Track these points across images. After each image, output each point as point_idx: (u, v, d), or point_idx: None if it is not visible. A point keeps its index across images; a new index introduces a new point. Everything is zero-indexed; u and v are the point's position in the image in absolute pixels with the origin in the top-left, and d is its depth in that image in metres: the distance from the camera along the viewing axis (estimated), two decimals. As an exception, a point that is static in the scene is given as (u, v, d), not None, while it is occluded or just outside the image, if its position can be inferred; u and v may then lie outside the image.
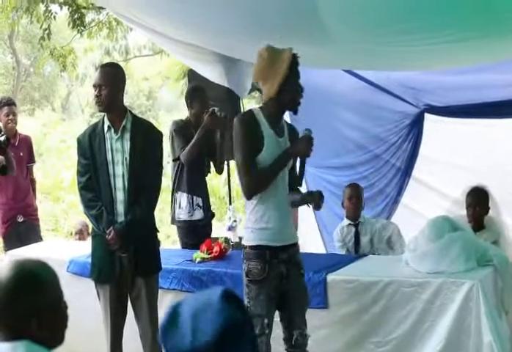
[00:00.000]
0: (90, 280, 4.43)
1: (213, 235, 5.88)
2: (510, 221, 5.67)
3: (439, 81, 6.50)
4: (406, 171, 7.03)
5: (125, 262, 4.23)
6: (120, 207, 4.25)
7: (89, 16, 11.26)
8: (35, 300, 2.03)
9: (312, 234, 7.45)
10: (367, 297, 4.16)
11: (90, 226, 4.80)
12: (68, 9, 10.17)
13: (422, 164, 6.94)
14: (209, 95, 5.93)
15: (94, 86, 4.29)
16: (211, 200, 6.12)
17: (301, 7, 4.56)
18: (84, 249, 5.05)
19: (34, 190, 6.91)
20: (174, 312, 1.60)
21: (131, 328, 4.36)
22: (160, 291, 4.46)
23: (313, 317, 4.12)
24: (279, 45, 3.76)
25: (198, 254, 5.01)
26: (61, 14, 10.72)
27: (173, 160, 5.70)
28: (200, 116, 5.64)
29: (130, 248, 4.22)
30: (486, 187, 5.47)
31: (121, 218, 4.23)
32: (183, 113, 5.91)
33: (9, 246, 6.15)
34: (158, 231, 4.53)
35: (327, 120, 7.12)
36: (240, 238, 5.40)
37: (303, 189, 4.28)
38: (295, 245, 3.87)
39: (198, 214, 5.61)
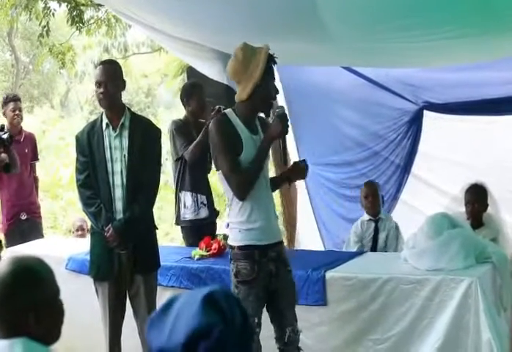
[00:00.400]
0: (89, 277, 4.44)
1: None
2: (509, 218, 5.67)
3: (438, 78, 6.49)
4: (405, 169, 7.03)
5: (124, 259, 4.23)
6: (119, 205, 4.25)
7: (88, 13, 11.25)
8: (33, 295, 2.03)
9: (310, 231, 7.45)
10: (366, 294, 4.15)
11: (89, 223, 4.79)
12: (67, 6, 10.17)
13: (421, 161, 6.94)
14: (207, 92, 5.91)
15: (98, 82, 4.27)
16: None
17: (299, 4, 4.56)
18: (83, 246, 5.05)
19: (36, 188, 6.93)
20: (166, 307, 1.59)
21: (130, 325, 4.36)
22: (158, 288, 4.46)
23: (312, 314, 4.12)
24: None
25: (197, 251, 5.01)
26: (60, 11, 10.72)
27: (176, 160, 5.67)
28: (198, 113, 5.63)
29: (129, 245, 4.22)
30: (485, 184, 5.47)
31: (120, 216, 4.23)
32: (182, 110, 5.88)
33: (12, 243, 6.14)
34: (156, 228, 4.54)
35: (326, 117, 7.12)
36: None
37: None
38: (282, 242, 3.87)
39: (203, 212, 5.59)
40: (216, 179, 4.34)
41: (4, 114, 6.71)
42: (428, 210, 5.79)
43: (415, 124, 6.92)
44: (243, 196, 3.65)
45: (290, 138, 6.88)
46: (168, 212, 13.50)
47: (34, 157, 6.88)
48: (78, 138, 4.38)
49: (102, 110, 4.44)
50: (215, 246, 5.02)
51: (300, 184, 7.19)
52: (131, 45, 20.11)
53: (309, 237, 7.40)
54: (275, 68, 3.76)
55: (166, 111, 24.29)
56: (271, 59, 3.65)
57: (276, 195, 6.45)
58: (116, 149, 4.26)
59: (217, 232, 5.68)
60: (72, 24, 10.18)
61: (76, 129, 4.85)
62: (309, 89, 6.98)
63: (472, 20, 4.40)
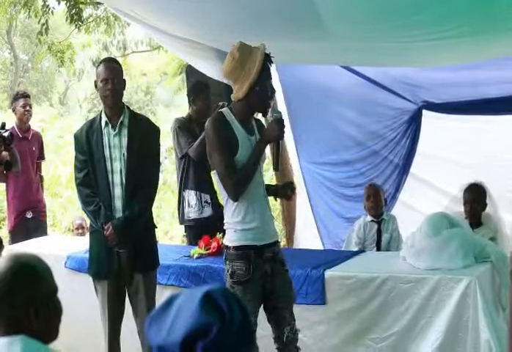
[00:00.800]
0: (88, 276, 4.43)
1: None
2: (508, 217, 5.68)
3: (437, 77, 6.50)
4: (403, 168, 7.03)
5: (123, 258, 4.22)
6: (118, 203, 4.25)
7: (87, 11, 11.27)
8: (32, 291, 2.04)
9: (309, 230, 7.45)
10: (365, 293, 4.16)
11: (88, 221, 4.80)
12: (66, 4, 10.17)
13: (419, 161, 6.94)
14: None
15: (106, 79, 4.23)
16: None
17: (298, 3, 4.56)
18: (82, 245, 5.05)
19: (42, 186, 6.94)
20: (166, 305, 1.59)
21: (129, 323, 4.36)
22: (158, 287, 4.46)
23: (311, 313, 4.12)
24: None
25: (196, 250, 5.01)
26: (59, 9, 10.72)
27: (180, 158, 5.66)
28: (203, 113, 5.60)
29: (129, 244, 4.21)
30: (484, 183, 5.48)
31: (119, 214, 4.23)
32: (181, 108, 5.89)
33: (17, 241, 6.12)
34: (155, 227, 4.54)
35: (325, 116, 7.12)
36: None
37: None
38: (278, 242, 3.86)
39: (207, 211, 5.58)
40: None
41: (14, 110, 6.74)
42: (426, 210, 5.80)
43: (414, 123, 6.93)
44: (236, 196, 3.63)
45: (288, 138, 6.89)
46: (167, 210, 13.51)
47: (41, 156, 6.90)
48: (76, 137, 4.38)
49: (101, 108, 4.44)
50: (214, 244, 5.01)
51: (299, 183, 7.18)
52: (130, 42, 20.11)
53: (308, 237, 7.40)
54: (273, 67, 3.75)
55: (165, 109, 24.30)
56: (267, 59, 3.65)
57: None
58: (116, 148, 4.25)
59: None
60: (71, 22, 10.19)
61: (75, 127, 4.86)
62: (308, 88, 6.98)
63: (471, 19, 4.41)
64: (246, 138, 3.69)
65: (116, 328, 4.33)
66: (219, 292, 1.57)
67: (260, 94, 3.66)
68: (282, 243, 6.61)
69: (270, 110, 3.82)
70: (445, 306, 3.90)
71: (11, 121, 6.96)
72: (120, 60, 7.29)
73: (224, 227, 3.78)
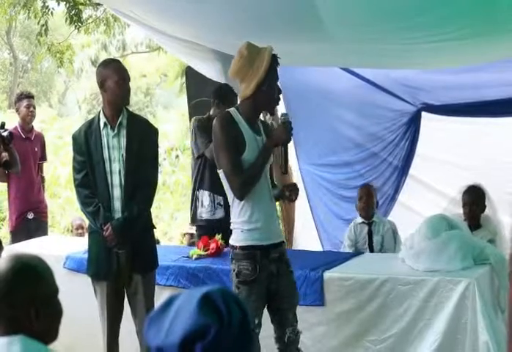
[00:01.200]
0: (87, 276, 4.43)
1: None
2: (507, 219, 5.68)
3: (437, 79, 6.50)
4: (403, 170, 7.04)
5: (123, 258, 4.22)
6: (117, 204, 4.25)
7: (86, 12, 11.27)
8: (33, 290, 2.05)
9: (308, 232, 7.46)
10: (364, 295, 4.16)
11: (87, 222, 4.80)
12: (65, 5, 10.17)
13: (419, 162, 6.95)
14: (205, 92, 5.87)
15: (123, 78, 4.25)
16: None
17: (299, 5, 4.56)
18: (81, 245, 5.05)
19: (43, 187, 6.94)
20: (164, 307, 1.59)
21: (128, 324, 4.36)
22: (157, 288, 4.46)
23: (310, 315, 4.13)
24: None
25: (195, 251, 5.01)
26: (59, 10, 10.72)
27: (197, 158, 5.66)
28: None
29: (128, 244, 4.21)
30: (483, 185, 5.48)
31: (118, 215, 4.22)
32: (181, 110, 5.89)
33: (17, 241, 6.11)
34: (154, 227, 4.54)
35: (324, 118, 7.13)
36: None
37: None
38: (284, 243, 3.88)
39: (219, 213, 5.57)
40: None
41: (17, 110, 6.73)
42: (425, 212, 5.80)
43: (413, 125, 6.93)
44: (241, 196, 3.65)
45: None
46: (166, 211, 13.52)
47: (43, 157, 6.90)
48: (75, 138, 4.37)
49: (99, 109, 4.44)
50: (213, 245, 5.02)
51: (298, 184, 7.19)
52: (129, 44, 20.12)
53: (307, 238, 7.40)
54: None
55: (165, 111, 24.31)
56: (274, 59, 3.66)
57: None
58: (115, 149, 4.25)
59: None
60: (71, 23, 10.18)
61: (74, 128, 4.85)
62: (308, 90, 6.98)
63: (472, 21, 4.41)
64: (252, 138, 3.70)
65: (115, 328, 4.33)
66: (218, 293, 1.56)
67: (267, 93, 3.68)
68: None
69: (279, 112, 3.84)
70: (444, 308, 3.90)
71: (11, 121, 6.96)
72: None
73: (231, 227, 3.78)
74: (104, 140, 4.25)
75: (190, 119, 7.12)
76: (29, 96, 6.75)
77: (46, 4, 10.13)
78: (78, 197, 4.37)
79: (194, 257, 4.95)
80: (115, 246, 4.19)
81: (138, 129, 4.31)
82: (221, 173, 3.73)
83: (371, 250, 5.79)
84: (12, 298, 2.02)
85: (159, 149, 4.54)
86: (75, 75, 21.74)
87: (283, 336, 3.77)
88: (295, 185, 4.05)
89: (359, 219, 5.95)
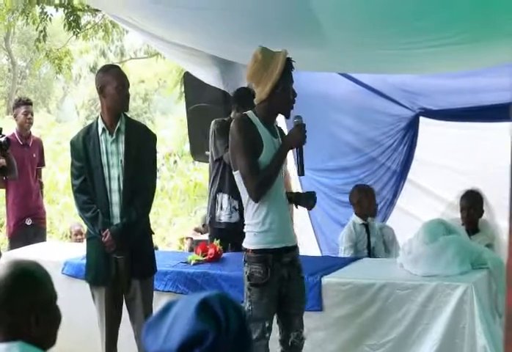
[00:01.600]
0: (85, 282, 4.43)
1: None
2: (505, 224, 5.67)
3: (434, 84, 6.51)
4: (401, 174, 7.04)
5: (121, 264, 4.22)
6: (116, 210, 4.24)
7: (85, 18, 11.28)
8: (33, 297, 2.05)
9: (306, 236, 7.45)
10: (362, 299, 4.16)
11: (85, 228, 4.79)
12: (64, 11, 10.18)
13: (417, 167, 6.95)
14: (203, 97, 5.86)
15: (123, 84, 4.26)
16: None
17: (297, 10, 4.57)
18: (79, 251, 5.05)
19: (41, 193, 6.93)
20: (162, 313, 1.59)
21: (126, 329, 4.35)
22: (155, 293, 4.46)
23: (308, 320, 4.12)
24: (274, 47, 3.77)
25: (193, 256, 5.01)
26: (57, 16, 10.73)
27: (216, 160, 5.67)
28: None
29: (126, 250, 4.21)
30: (481, 190, 5.49)
31: (116, 221, 4.22)
32: (179, 116, 5.90)
33: (16, 247, 6.10)
34: (153, 233, 4.54)
35: (323, 123, 7.12)
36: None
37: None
38: (297, 247, 3.87)
39: (235, 217, 5.57)
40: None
41: (15, 116, 6.73)
42: (423, 216, 5.81)
43: (411, 130, 6.94)
44: (257, 197, 3.66)
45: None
46: (164, 217, 13.51)
47: (41, 162, 6.90)
48: (73, 143, 4.36)
49: (98, 114, 4.44)
50: (211, 251, 5.02)
51: (296, 189, 7.19)
52: (128, 50, 20.13)
53: (305, 243, 7.39)
54: None
55: (163, 117, 24.31)
56: (289, 63, 3.69)
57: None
58: (113, 155, 4.24)
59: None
60: (69, 29, 10.19)
61: (72, 134, 4.84)
62: (306, 95, 6.95)
63: (472, 26, 4.42)
64: (270, 140, 3.73)
65: (113, 333, 4.32)
66: (216, 299, 1.56)
67: (282, 95, 3.71)
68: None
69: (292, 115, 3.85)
70: (442, 313, 3.91)
71: (9, 127, 6.96)
72: (118, 67, 7.29)
73: (244, 230, 3.80)
74: (102, 146, 4.24)
75: (188, 125, 7.14)
76: (27, 103, 6.73)
77: (44, 10, 10.13)
78: (77, 203, 4.37)
79: (193, 262, 4.94)
80: (114, 252, 4.19)
81: (136, 135, 4.32)
82: (236, 175, 3.75)
83: (369, 252, 5.77)
84: (12, 305, 2.02)
85: (157, 155, 4.54)
86: (73, 81, 21.73)
87: (287, 340, 3.79)
88: (314, 193, 4.04)
89: (357, 219, 5.90)
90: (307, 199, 3.99)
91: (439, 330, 3.91)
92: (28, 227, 6.59)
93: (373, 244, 5.80)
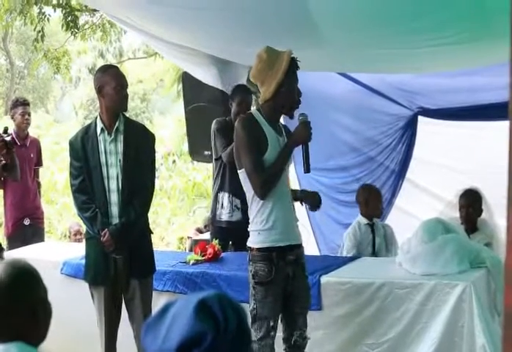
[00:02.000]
0: (84, 282, 4.43)
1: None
2: (503, 223, 5.67)
3: (433, 83, 6.52)
4: (399, 174, 7.05)
5: (120, 264, 4.22)
6: (114, 209, 4.24)
7: (83, 18, 11.28)
8: (33, 295, 2.05)
9: (305, 236, 7.45)
10: (361, 299, 4.16)
11: (84, 228, 4.80)
12: (62, 11, 10.18)
13: (415, 166, 6.96)
14: (201, 97, 5.86)
15: (121, 85, 4.26)
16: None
17: (296, 10, 4.57)
18: (78, 251, 5.05)
19: (39, 193, 6.93)
20: (161, 313, 1.58)
21: (126, 329, 4.35)
22: (154, 293, 4.46)
23: (307, 319, 4.12)
24: (272, 46, 3.77)
25: (192, 256, 5.01)
26: (55, 16, 10.73)
27: (215, 159, 5.70)
28: (236, 116, 5.61)
29: (125, 250, 4.21)
30: (479, 189, 5.49)
31: (115, 220, 4.22)
32: (177, 115, 5.91)
33: (14, 248, 6.11)
34: (152, 232, 4.54)
35: (321, 123, 7.11)
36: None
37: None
38: (301, 246, 3.88)
39: (237, 215, 5.58)
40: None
41: (13, 117, 6.72)
42: (422, 215, 5.81)
43: (410, 129, 6.95)
44: (263, 195, 3.66)
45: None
46: (163, 216, 13.51)
47: (38, 162, 6.90)
48: (71, 143, 4.37)
49: (96, 115, 4.45)
50: (210, 250, 5.02)
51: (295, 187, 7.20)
52: (126, 50, 20.13)
53: (304, 242, 7.39)
54: None
55: (161, 116, 24.32)
56: (293, 62, 3.70)
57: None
58: (112, 154, 4.25)
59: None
60: (67, 29, 10.20)
61: (71, 134, 4.85)
62: (305, 95, 6.97)
63: (471, 25, 4.43)
64: (275, 138, 3.74)
65: (112, 333, 4.32)
66: (214, 299, 1.55)
67: (287, 95, 3.72)
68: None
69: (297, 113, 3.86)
70: (441, 312, 3.91)
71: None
72: (116, 67, 7.30)
73: (248, 229, 3.80)
74: (101, 145, 4.25)
75: (187, 125, 7.14)
76: (24, 103, 6.73)
77: (42, 11, 10.13)
78: (75, 203, 4.37)
79: (191, 262, 4.95)
80: (112, 252, 4.19)
81: (135, 134, 4.32)
82: (241, 173, 3.76)
83: (373, 251, 5.77)
84: (11, 305, 2.02)
85: (156, 155, 4.54)
86: (72, 83, 21.72)
87: (290, 338, 3.79)
88: (318, 194, 4.09)
89: (363, 219, 5.89)
90: (314, 199, 4.01)
91: (438, 329, 3.91)
92: (27, 227, 6.59)
93: (378, 245, 5.80)
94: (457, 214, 5.47)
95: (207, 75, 6.53)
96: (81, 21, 10.91)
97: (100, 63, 17.83)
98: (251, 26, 5.12)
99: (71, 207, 11.32)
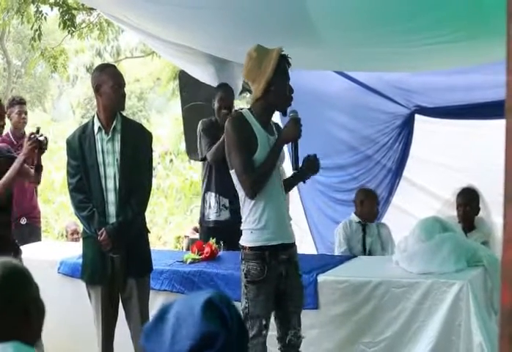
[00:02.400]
0: (81, 281, 4.42)
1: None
2: (501, 221, 5.67)
3: (429, 82, 6.52)
4: (396, 172, 7.05)
5: (117, 263, 4.22)
6: (112, 209, 4.24)
7: (80, 17, 11.27)
8: (26, 295, 2.04)
9: (302, 235, 7.45)
10: (358, 297, 4.16)
11: (81, 227, 4.79)
12: (59, 10, 10.17)
13: (412, 165, 6.96)
14: (198, 96, 5.87)
15: (119, 84, 4.26)
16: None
17: (293, 9, 4.57)
18: (75, 250, 5.04)
19: (36, 192, 6.91)
20: (161, 316, 1.56)
21: (123, 328, 4.35)
22: (151, 292, 4.45)
23: (304, 318, 4.12)
24: (269, 45, 3.77)
25: (189, 255, 5.01)
26: (52, 15, 10.72)
27: (200, 160, 5.73)
28: (217, 113, 5.63)
29: (122, 249, 4.21)
30: (477, 187, 5.49)
31: (112, 220, 4.22)
32: (174, 114, 5.91)
33: None
34: (149, 232, 4.54)
35: (318, 121, 7.12)
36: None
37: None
38: (294, 245, 3.87)
39: (225, 215, 5.59)
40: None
41: (9, 116, 6.69)
42: (419, 214, 5.81)
43: (406, 128, 6.95)
44: (253, 194, 3.66)
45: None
46: (160, 216, 13.51)
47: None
48: (69, 142, 4.37)
49: (93, 113, 4.44)
50: (207, 249, 5.02)
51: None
52: (124, 49, 20.12)
53: (300, 241, 7.38)
54: None
55: (158, 115, 24.31)
56: (284, 59, 3.69)
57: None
58: (109, 154, 4.24)
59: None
60: (64, 28, 10.19)
61: (68, 133, 4.84)
62: (301, 93, 6.95)
63: (468, 23, 4.43)
64: (265, 138, 3.72)
65: (109, 333, 4.32)
66: (218, 298, 1.55)
67: (277, 93, 3.70)
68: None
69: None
70: (438, 310, 3.91)
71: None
72: (113, 66, 7.29)
73: (241, 228, 3.79)
74: (98, 144, 4.24)
75: (184, 124, 7.14)
76: (21, 102, 6.71)
77: (39, 9, 10.12)
78: (73, 202, 4.37)
79: (189, 261, 4.94)
80: (110, 251, 4.19)
81: (132, 133, 4.32)
82: (233, 174, 3.75)
83: (364, 250, 5.77)
84: (5, 305, 2.02)
85: (153, 154, 4.54)
86: (70, 81, 21.71)
87: (285, 337, 3.79)
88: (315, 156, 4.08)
89: (355, 218, 5.89)
90: (311, 165, 4.03)
91: (435, 327, 3.91)
92: (23, 227, 6.57)
93: (369, 245, 5.80)
94: (454, 212, 5.48)
95: (204, 74, 6.53)
96: (78, 20, 10.91)
97: (98, 62, 17.84)
98: (249, 25, 5.12)
99: (68, 207, 11.33)
